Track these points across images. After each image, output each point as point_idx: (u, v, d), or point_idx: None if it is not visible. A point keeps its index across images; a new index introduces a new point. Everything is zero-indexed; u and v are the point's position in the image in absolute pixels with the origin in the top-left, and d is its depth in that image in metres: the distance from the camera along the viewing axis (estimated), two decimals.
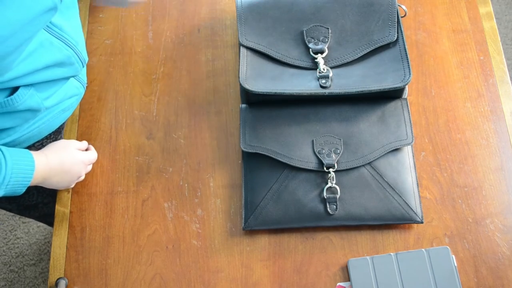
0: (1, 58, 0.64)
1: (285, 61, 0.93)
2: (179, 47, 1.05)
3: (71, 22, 0.81)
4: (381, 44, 0.92)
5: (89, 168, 0.92)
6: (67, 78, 0.85)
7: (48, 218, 1.16)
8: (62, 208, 0.92)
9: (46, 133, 0.90)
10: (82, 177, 0.90)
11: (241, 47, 0.94)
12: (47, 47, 0.75)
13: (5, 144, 0.83)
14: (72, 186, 0.90)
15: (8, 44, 0.64)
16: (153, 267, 0.87)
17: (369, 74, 0.89)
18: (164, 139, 0.96)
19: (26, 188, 0.77)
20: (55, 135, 0.99)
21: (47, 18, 0.69)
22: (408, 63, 0.88)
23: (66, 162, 0.84)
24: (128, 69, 1.03)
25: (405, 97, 0.92)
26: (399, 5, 0.97)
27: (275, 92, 0.86)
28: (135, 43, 1.05)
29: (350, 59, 0.92)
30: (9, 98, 0.74)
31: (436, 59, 1.00)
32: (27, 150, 0.79)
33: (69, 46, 0.80)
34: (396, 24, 0.93)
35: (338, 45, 0.93)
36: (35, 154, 0.79)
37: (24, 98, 0.75)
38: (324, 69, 0.90)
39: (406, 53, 0.90)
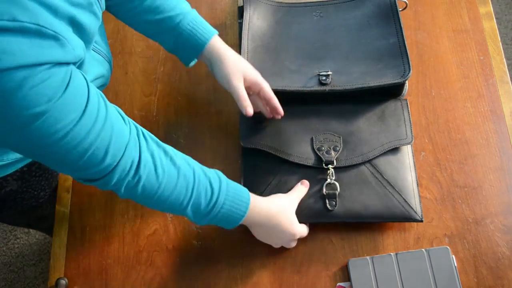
0: None
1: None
2: None
3: (100, 31, 0.82)
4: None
5: (293, 244, 0.84)
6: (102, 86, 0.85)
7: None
8: (62, 208, 0.92)
9: None
10: (284, 245, 0.84)
11: (242, 43, 0.93)
12: (92, 63, 0.75)
13: None
14: (277, 246, 0.84)
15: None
16: (153, 267, 0.87)
17: (368, 71, 0.89)
18: (164, 139, 0.96)
19: (236, 225, 0.76)
20: None
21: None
22: (408, 59, 0.88)
23: (275, 216, 0.79)
24: (128, 69, 1.03)
25: (405, 96, 0.92)
26: None
27: (275, 89, 0.86)
28: (135, 43, 1.05)
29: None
30: None
31: (436, 59, 1.00)
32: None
33: (105, 59, 0.81)
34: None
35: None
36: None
37: None
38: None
39: (405, 49, 0.89)
